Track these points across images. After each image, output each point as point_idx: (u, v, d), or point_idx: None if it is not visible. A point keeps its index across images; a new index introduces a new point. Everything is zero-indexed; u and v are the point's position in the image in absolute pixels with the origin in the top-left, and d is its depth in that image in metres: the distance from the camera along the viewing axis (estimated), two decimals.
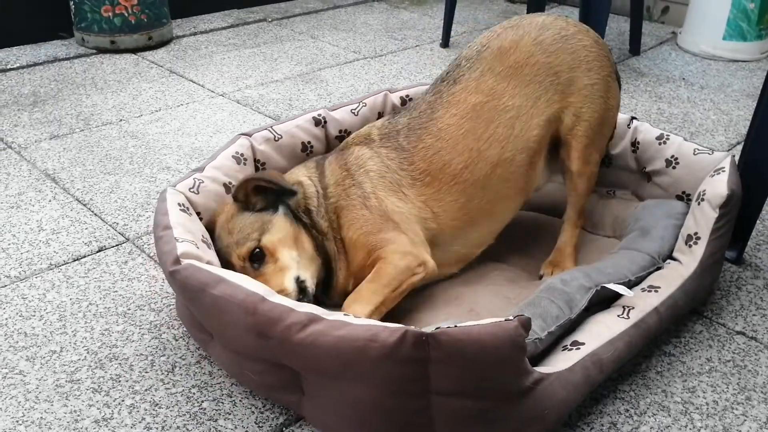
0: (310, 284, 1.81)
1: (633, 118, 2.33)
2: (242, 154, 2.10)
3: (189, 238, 1.71)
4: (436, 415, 1.42)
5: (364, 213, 1.86)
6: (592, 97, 1.96)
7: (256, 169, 2.15)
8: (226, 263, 1.79)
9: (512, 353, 1.39)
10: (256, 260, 1.79)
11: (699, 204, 1.93)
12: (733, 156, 2.07)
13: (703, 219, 1.90)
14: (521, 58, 1.94)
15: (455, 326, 1.35)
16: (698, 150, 2.17)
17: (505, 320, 1.37)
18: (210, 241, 1.85)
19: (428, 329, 1.35)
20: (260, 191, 1.84)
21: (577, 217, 2.09)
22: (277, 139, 2.20)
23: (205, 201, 1.96)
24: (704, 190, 1.94)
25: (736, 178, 1.95)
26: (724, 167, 1.98)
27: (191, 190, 1.95)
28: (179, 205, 1.84)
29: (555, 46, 1.95)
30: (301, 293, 1.77)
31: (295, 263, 1.81)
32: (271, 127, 2.21)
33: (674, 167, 2.20)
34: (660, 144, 2.24)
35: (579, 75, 1.95)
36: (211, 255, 1.74)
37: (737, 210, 1.95)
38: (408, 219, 1.88)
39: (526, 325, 1.40)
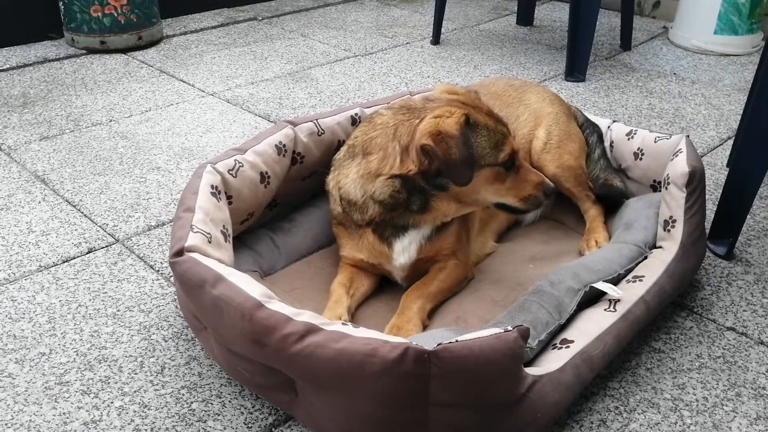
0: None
1: (614, 121, 2.44)
2: (285, 145, 2.08)
3: (205, 229, 1.69)
4: (432, 426, 1.40)
5: None
6: (558, 120, 2.28)
7: (293, 161, 2.13)
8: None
9: (511, 364, 1.39)
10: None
11: (667, 188, 1.97)
12: (688, 136, 2.12)
13: (673, 202, 1.94)
14: (498, 90, 2.33)
15: (456, 341, 1.34)
16: (658, 137, 2.24)
17: (505, 331, 1.36)
18: (230, 232, 1.83)
19: (429, 345, 1.33)
20: None
21: (590, 201, 2.24)
22: (320, 133, 2.18)
23: (240, 186, 1.95)
24: (668, 174, 1.98)
25: (695, 155, 2.00)
26: (681, 148, 2.03)
27: (230, 171, 1.93)
28: (212, 187, 1.83)
29: (523, 88, 2.37)
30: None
31: None
32: (317, 120, 2.19)
33: (641, 159, 2.28)
34: (629, 139, 2.32)
35: (545, 105, 2.31)
36: (224, 253, 1.72)
37: (704, 186, 1.98)
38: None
39: (525, 335, 1.39)
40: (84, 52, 4.02)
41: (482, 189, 1.80)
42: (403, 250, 1.89)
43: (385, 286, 2.01)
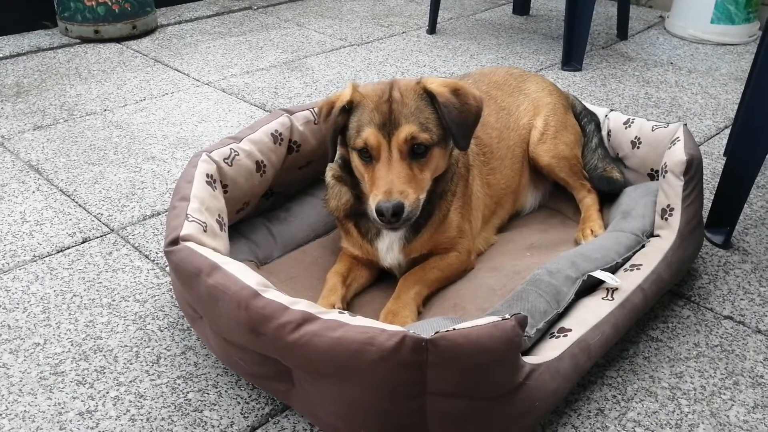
0: (409, 210, 1.67)
1: (611, 110, 2.43)
2: (281, 134, 2.08)
3: (201, 218, 1.69)
4: (429, 415, 1.40)
5: (465, 199, 1.97)
6: (556, 111, 2.27)
7: (290, 150, 2.13)
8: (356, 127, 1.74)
9: (509, 352, 1.38)
10: (413, 153, 1.71)
11: (664, 177, 1.97)
12: (685, 124, 2.11)
13: (671, 190, 1.94)
14: (499, 79, 2.33)
15: (453, 329, 1.32)
16: (655, 126, 2.24)
17: (502, 319, 1.35)
18: (225, 221, 1.82)
19: (426, 334, 1.32)
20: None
21: (585, 190, 2.23)
22: (316, 122, 2.17)
23: (236, 175, 1.94)
24: (666, 163, 1.98)
25: (692, 144, 1.99)
26: (678, 137, 2.02)
27: (225, 160, 1.93)
28: (207, 176, 1.82)
29: (522, 77, 2.37)
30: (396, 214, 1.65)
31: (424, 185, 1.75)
32: (313, 108, 2.18)
33: (638, 147, 2.28)
34: (626, 128, 2.32)
35: (544, 96, 2.30)
36: (219, 242, 1.71)
37: (701, 174, 1.98)
38: (478, 201, 2.03)
39: (522, 323, 1.38)
40: (78, 41, 4.00)
41: (359, 172, 1.78)
42: (387, 250, 1.89)
43: (383, 273, 2.00)
